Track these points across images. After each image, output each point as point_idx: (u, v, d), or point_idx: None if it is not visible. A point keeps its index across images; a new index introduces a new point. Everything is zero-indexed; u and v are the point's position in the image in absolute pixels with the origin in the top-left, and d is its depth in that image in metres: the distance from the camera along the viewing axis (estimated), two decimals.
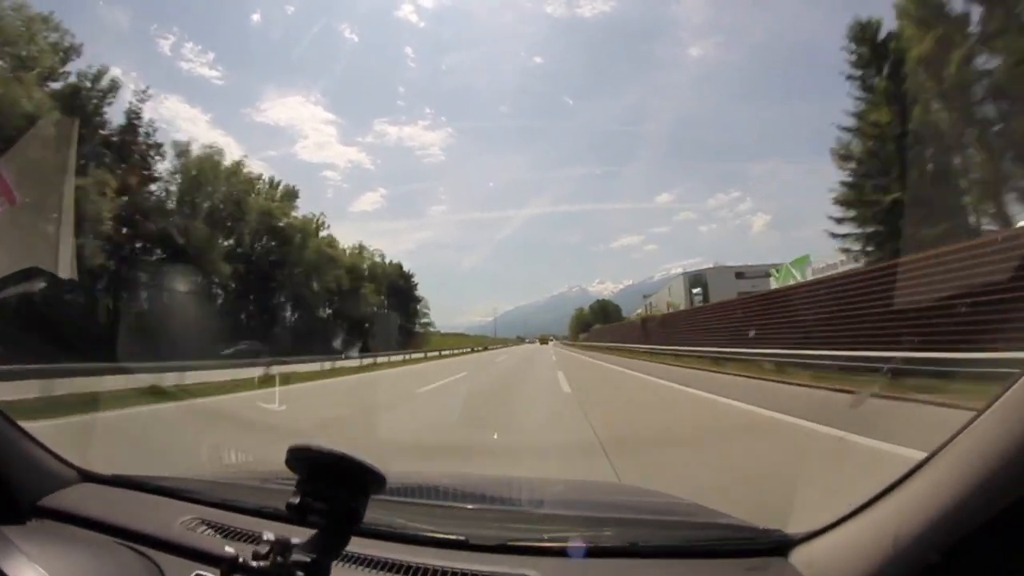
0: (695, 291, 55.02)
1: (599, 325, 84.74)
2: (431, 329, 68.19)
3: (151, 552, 1.16)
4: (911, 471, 0.94)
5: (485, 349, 51.89)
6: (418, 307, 64.08)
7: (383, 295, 54.95)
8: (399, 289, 58.29)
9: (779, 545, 1.16)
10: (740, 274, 55.21)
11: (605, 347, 45.11)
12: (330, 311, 43.60)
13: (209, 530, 1.28)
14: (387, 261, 58.43)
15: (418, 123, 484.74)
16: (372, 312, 50.47)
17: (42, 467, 1.51)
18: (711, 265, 58.14)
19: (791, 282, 31.11)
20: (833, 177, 28.70)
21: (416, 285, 62.64)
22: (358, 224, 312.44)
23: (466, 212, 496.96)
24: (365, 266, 55.14)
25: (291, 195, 44.06)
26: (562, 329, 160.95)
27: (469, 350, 45.97)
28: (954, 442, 0.87)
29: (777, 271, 40.65)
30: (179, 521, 1.31)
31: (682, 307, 52.45)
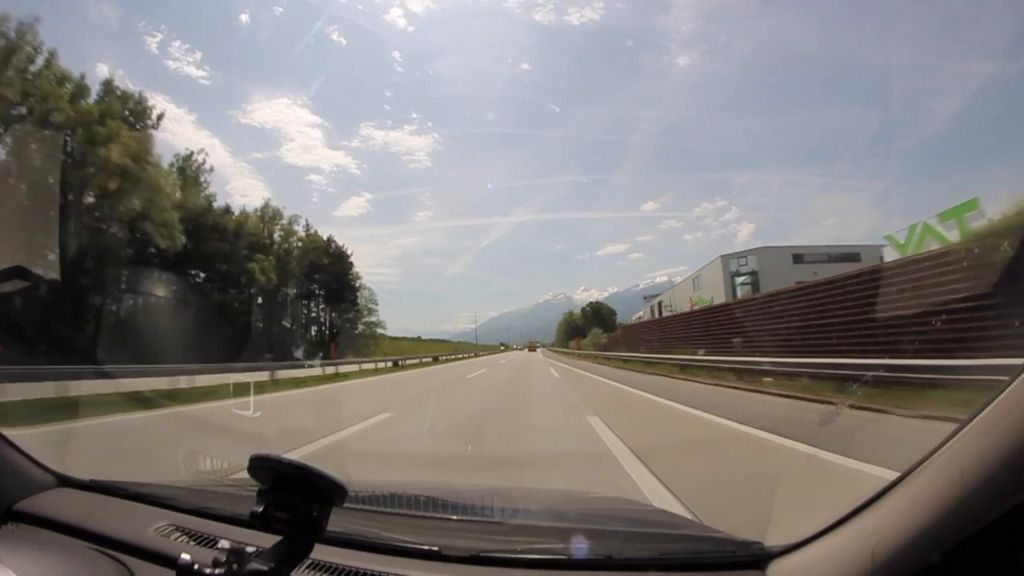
0: (740, 279, 39.37)
1: (596, 330, 68.75)
2: (380, 331, 51.70)
3: (125, 558, 1.15)
4: (890, 485, 0.92)
5: (436, 360, 34.03)
6: (359, 299, 47.55)
7: (298, 278, 38.38)
8: (325, 272, 41.46)
9: (757, 559, 1.12)
10: (799, 256, 39.92)
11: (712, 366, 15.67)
12: (162, 291, 25.78)
13: (183, 536, 1.27)
14: (309, 231, 41.88)
15: (404, 128, 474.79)
16: (270, 302, 33.81)
17: (19, 471, 1.48)
18: (757, 247, 42.47)
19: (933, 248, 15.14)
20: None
21: (352, 268, 45.94)
22: (343, 229, 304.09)
23: (451, 219, 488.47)
24: (277, 234, 38.67)
25: (118, 95, 27.75)
26: (547, 336, 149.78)
27: (391, 363, 26.77)
28: (933, 457, 0.85)
29: (901, 242, 24.94)
30: (153, 527, 1.30)
31: (717, 302, 37.76)
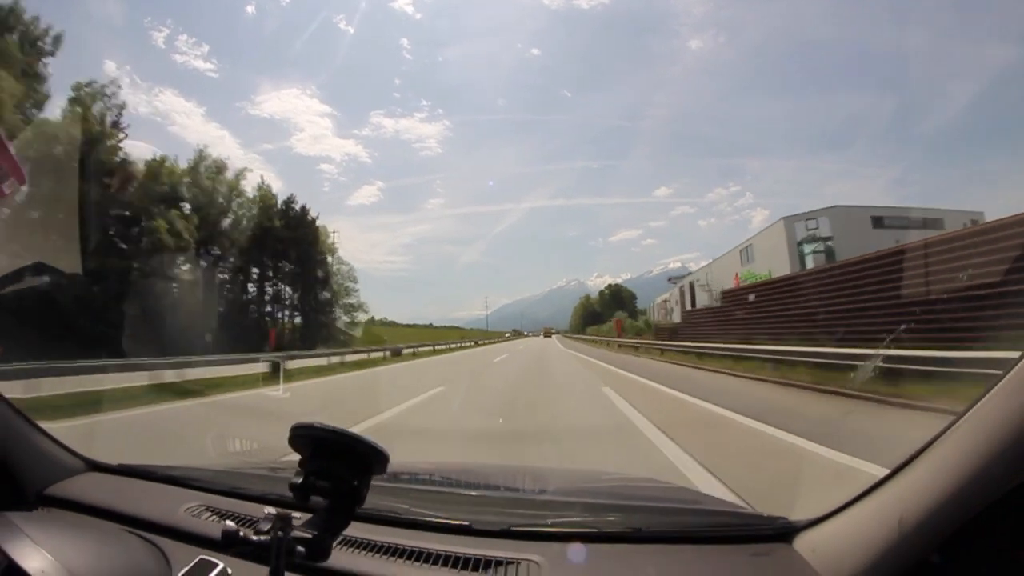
0: (811, 247, 30.48)
1: (621, 313, 60.24)
2: (360, 316, 43.34)
3: (156, 538, 1.15)
4: (914, 455, 0.92)
5: (396, 356, 23.52)
6: (332, 275, 39.27)
7: (241, 246, 30.14)
8: (279, 240, 33.04)
9: (783, 532, 1.13)
10: (879, 220, 30.91)
11: None
12: None
13: (213, 516, 1.27)
14: (262, 185, 33.41)
15: (414, 116, 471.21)
16: (188, 274, 25.51)
17: (49, 457, 1.49)
18: (820, 207, 33.28)
19: None
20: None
21: (323, 237, 37.19)
22: (355, 218, 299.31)
23: (463, 206, 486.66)
24: (220, 190, 30.44)
25: None
26: (561, 323, 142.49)
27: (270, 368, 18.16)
28: (957, 425, 0.85)
29: None
30: (184, 508, 1.31)
31: (777, 276, 29.47)
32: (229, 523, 0.89)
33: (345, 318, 42.27)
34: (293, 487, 0.93)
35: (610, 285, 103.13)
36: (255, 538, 0.85)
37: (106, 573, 0.96)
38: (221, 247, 28.93)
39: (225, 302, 26.88)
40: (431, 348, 30.64)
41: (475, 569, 1.05)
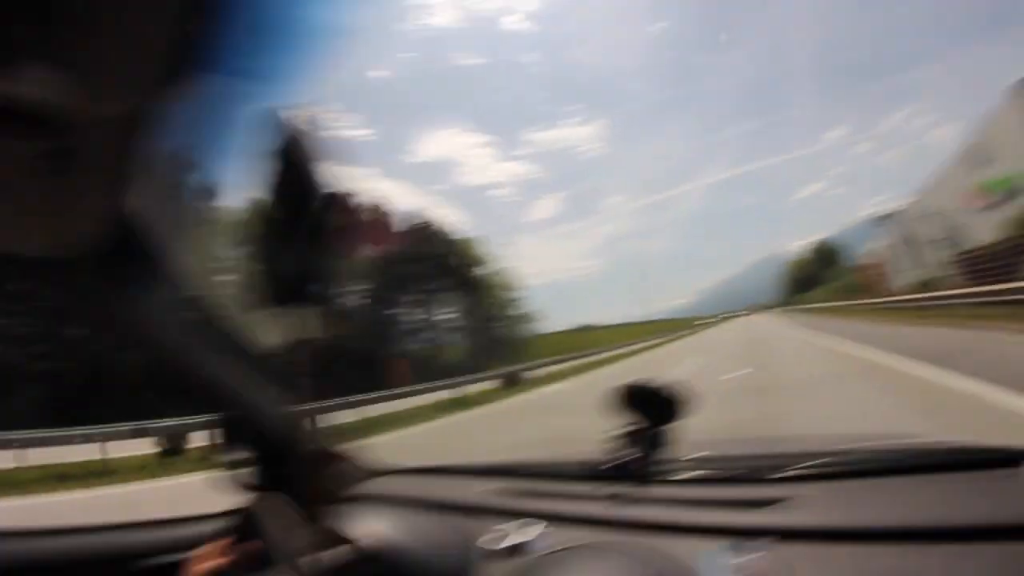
0: None
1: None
2: (528, 327, 41.49)
3: (456, 517, 1.25)
4: None
5: (512, 384, 17.28)
6: (481, 289, 38.07)
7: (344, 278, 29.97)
8: (406, 259, 32.24)
9: (1014, 455, 1.12)
10: None
11: None
12: None
13: (518, 495, 1.37)
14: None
15: (567, 122, 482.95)
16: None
17: (346, 464, 1.44)
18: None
19: None
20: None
21: (463, 248, 36.57)
22: (537, 232, 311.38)
23: (641, 198, 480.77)
24: None
25: None
26: (767, 296, 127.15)
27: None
28: None
29: None
30: (485, 489, 1.41)
31: None
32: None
33: (509, 332, 40.93)
34: (613, 439, 1.06)
35: (820, 241, 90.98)
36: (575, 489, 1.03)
37: (422, 547, 1.08)
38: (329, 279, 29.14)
39: (339, 340, 26.69)
40: (593, 358, 24.94)
41: (745, 507, 1.12)
